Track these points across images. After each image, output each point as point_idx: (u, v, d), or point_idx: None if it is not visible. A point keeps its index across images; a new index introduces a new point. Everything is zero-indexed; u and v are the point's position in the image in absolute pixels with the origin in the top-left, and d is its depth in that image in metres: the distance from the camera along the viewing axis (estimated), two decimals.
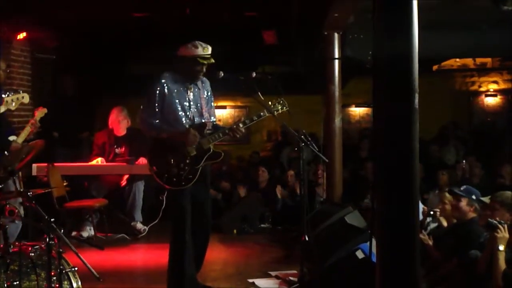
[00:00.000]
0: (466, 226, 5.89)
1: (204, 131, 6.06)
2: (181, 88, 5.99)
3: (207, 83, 6.21)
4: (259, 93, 6.06)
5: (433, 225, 6.79)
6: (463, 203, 5.93)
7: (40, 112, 7.01)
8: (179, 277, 5.92)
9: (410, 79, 3.60)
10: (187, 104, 6.00)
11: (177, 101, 5.94)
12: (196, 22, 9.39)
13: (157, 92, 5.89)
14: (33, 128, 6.61)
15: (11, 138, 6.55)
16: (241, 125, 6.09)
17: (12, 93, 6.28)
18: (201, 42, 5.94)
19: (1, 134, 6.40)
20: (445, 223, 6.67)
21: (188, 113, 5.99)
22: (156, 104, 5.89)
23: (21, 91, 6.42)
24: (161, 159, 5.89)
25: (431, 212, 6.61)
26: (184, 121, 5.96)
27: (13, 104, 6.25)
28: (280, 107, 6.23)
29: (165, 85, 5.90)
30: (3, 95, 6.30)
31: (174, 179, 5.87)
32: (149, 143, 6.07)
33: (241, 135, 6.15)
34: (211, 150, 6.05)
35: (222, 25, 9.71)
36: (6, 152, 6.25)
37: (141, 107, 5.99)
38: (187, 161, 5.92)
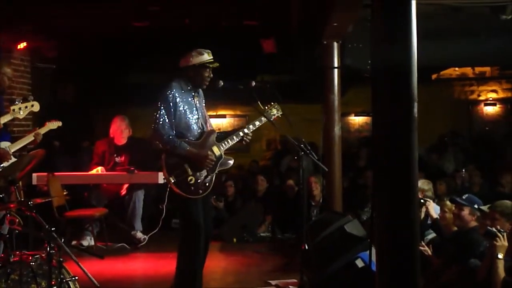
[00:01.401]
0: (467, 235, 5.90)
1: (214, 138, 6.10)
2: (189, 97, 5.98)
3: (201, 91, 6.23)
4: (259, 101, 6.09)
5: (431, 236, 6.81)
6: (466, 212, 5.94)
7: (53, 124, 7.00)
8: (193, 285, 5.92)
9: (409, 88, 3.62)
10: (196, 111, 6.00)
11: (187, 109, 5.91)
12: (195, 31, 9.41)
13: (169, 101, 5.81)
14: (37, 139, 6.60)
15: (3, 144, 6.53)
16: (246, 130, 6.15)
17: (20, 101, 6.26)
18: (201, 49, 5.99)
19: None
20: (432, 212, 6.69)
21: (197, 121, 5.99)
22: (169, 114, 5.81)
23: (30, 99, 6.40)
24: (179, 167, 5.83)
25: (421, 201, 6.62)
26: (195, 129, 5.96)
27: (21, 112, 6.24)
28: (275, 111, 6.30)
29: (175, 94, 5.85)
30: (16, 102, 6.30)
31: (192, 188, 5.85)
32: (164, 152, 5.90)
33: (248, 141, 6.28)
34: (223, 156, 6.11)
35: (222, 34, 9.74)
36: None
37: (157, 121, 5.81)
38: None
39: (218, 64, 5.98)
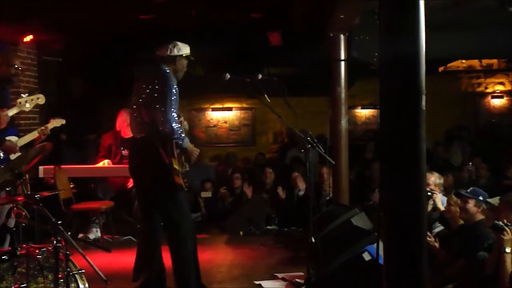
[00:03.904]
0: (474, 228, 5.88)
1: None
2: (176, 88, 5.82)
3: None
4: (265, 95, 6.08)
5: (438, 229, 6.79)
6: (471, 204, 5.92)
7: (57, 122, 7.00)
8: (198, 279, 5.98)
9: (417, 80, 3.60)
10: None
11: (176, 102, 5.77)
12: (202, 24, 9.39)
13: (175, 92, 5.69)
14: (42, 135, 6.59)
15: (9, 138, 6.52)
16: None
17: (26, 94, 6.25)
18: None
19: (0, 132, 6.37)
20: (439, 204, 6.71)
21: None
22: (175, 106, 5.68)
23: (36, 92, 6.40)
24: (180, 159, 5.83)
25: (429, 194, 6.60)
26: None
27: (27, 105, 6.24)
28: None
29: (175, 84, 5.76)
30: (22, 95, 6.29)
31: (184, 180, 5.86)
32: (171, 143, 5.76)
33: None
34: None
35: (228, 27, 9.72)
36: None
37: (172, 113, 5.64)
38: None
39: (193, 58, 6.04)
